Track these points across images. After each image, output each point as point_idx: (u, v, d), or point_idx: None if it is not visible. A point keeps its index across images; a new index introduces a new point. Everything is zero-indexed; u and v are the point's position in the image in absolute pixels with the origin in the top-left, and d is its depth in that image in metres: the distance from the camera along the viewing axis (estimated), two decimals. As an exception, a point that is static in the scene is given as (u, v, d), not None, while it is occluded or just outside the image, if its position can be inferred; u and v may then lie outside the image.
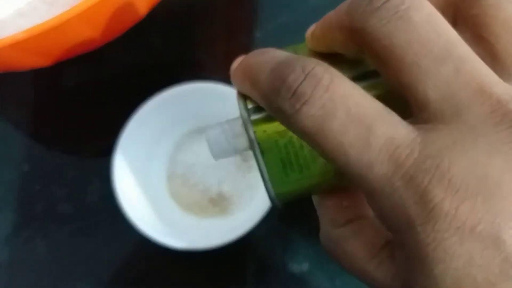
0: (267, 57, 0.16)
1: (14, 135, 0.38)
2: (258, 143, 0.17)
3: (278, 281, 0.33)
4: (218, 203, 0.34)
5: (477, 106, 0.13)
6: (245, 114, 0.17)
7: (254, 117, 0.17)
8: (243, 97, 0.17)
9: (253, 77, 0.16)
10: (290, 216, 0.35)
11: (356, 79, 0.16)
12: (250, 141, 0.17)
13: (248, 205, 0.34)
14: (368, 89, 0.15)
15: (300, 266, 0.34)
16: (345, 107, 0.14)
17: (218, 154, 0.19)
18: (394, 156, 0.13)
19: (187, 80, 0.34)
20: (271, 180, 0.17)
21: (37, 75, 0.39)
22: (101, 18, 0.30)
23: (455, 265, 0.13)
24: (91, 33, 0.31)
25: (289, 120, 0.14)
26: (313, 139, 0.14)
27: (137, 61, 0.40)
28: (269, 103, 0.15)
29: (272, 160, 0.17)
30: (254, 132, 0.17)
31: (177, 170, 0.35)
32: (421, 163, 0.13)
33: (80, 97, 0.39)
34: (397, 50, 0.14)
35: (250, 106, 0.17)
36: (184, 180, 0.35)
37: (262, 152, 0.17)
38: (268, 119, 0.17)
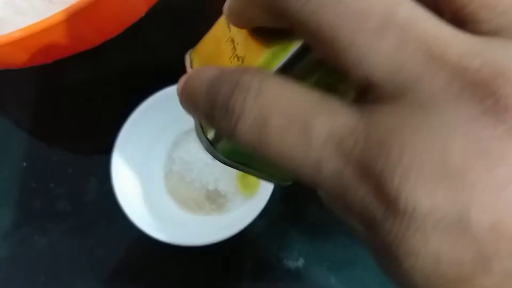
0: (202, 78, 0.14)
1: (12, 132, 0.39)
2: (239, 163, 0.16)
3: (274, 277, 0.34)
4: (215, 200, 0.35)
5: (428, 79, 0.11)
6: (208, 147, 0.15)
7: (219, 144, 0.15)
8: (200, 127, 0.16)
9: (194, 104, 0.15)
10: (285, 213, 0.35)
11: (297, 56, 0.14)
12: (229, 165, 0.16)
13: (243, 203, 0.34)
14: (312, 66, 0.14)
15: (295, 262, 0.34)
16: (277, 109, 0.12)
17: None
18: (340, 148, 0.12)
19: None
20: (273, 176, 0.17)
21: (37, 73, 0.39)
22: (100, 17, 0.30)
23: (421, 264, 0.11)
24: (89, 32, 0.31)
25: (232, 139, 0.13)
26: (259, 153, 0.13)
27: (135, 59, 0.40)
28: (213, 127, 0.14)
29: (263, 164, 0.16)
30: (228, 159, 0.16)
31: (174, 168, 0.35)
32: (368, 152, 0.11)
33: (79, 95, 0.39)
34: (328, 30, 0.12)
35: (210, 135, 0.16)
36: (181, 178, 0.35)
37: (248, 165, 0.16)
38: None
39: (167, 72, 0.39)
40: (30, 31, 0.26)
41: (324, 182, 0.12)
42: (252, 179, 0.34)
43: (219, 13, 0.19)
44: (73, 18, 0.27)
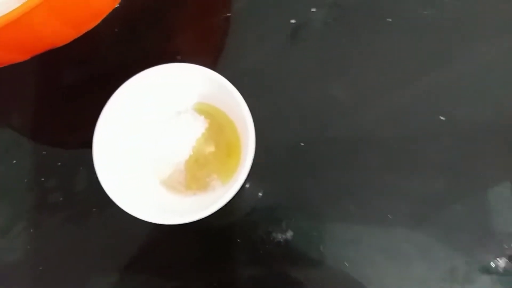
0: None
1: (0, 128, 0.40)
2: None
3: (264, 251, 0.34)
4: (200, 181, 0.35)
5: None
6: None
7: None
8: None
9: None
10: (272, 187, 0.35)
11: None
12: None
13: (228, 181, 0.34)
14: None
15: (284, 234, 0.34)
16: None
17: None
18: None
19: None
20: None
21: (20, 70, 0.40)
22: (68, 9, 0.30)
23: None
24: (59, 25, 0.31)
25: None
26: None
27: (123, 52, 0.40)
28: None
29: None
30: None
31: (160, 151, 0.36)
32: None
33: (63, 90, 0.40)
34: None
35: None
36: (166, 161, 0.35)
37: None
38: None
39: (146, 59, 0.39)
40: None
41: None
42: (230, 165, 0.34)
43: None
44: (35, 11, 0.27)
